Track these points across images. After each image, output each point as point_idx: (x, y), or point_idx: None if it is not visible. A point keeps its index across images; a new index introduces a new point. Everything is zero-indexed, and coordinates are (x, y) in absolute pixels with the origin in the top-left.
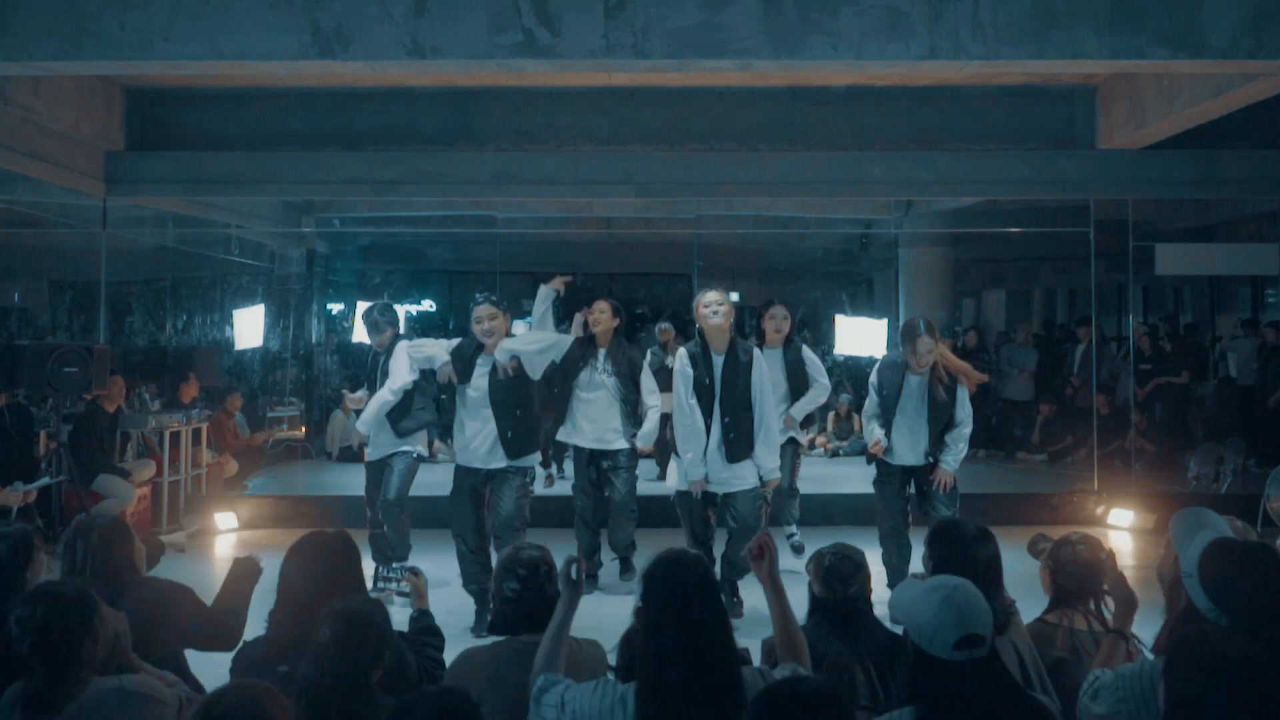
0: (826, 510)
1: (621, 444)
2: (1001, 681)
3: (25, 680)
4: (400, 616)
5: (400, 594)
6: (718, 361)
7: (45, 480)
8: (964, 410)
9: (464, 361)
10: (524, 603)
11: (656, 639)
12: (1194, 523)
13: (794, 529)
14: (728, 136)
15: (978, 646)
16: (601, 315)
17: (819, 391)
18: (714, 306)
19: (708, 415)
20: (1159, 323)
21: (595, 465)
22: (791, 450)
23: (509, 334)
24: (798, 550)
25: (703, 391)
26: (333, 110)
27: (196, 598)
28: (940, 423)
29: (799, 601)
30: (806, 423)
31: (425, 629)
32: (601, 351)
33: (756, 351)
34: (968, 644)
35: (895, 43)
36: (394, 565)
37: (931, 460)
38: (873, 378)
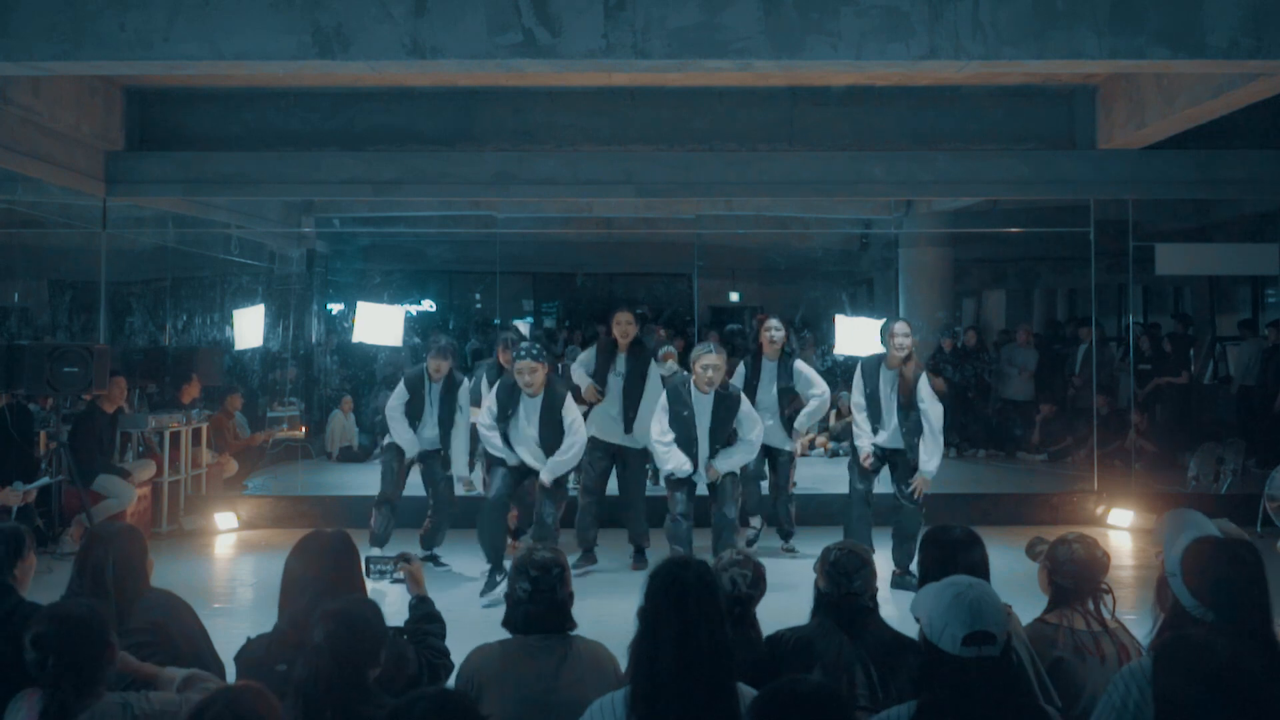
0: (826, 510)
1: None
2: (1009, 685)
3: (46, 695)
4: (399, 607)
5: (396, 581)
6: (705, 401)
7: (45, 480)
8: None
9: None
10: (535, 604)
11: (652, 638)
12: (1181, 523)
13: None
14: (728, 136)
15: (987, 644)
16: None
17: (815, 404)
18: (710, 373)
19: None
20: (1139, 324)
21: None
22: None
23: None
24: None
25: (686, 425)
26: (333, 110)
27: (197, 618)
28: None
29: (804, 601)
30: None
31: (425, 616)
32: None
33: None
34: (976, 640)
35: (895, 43)
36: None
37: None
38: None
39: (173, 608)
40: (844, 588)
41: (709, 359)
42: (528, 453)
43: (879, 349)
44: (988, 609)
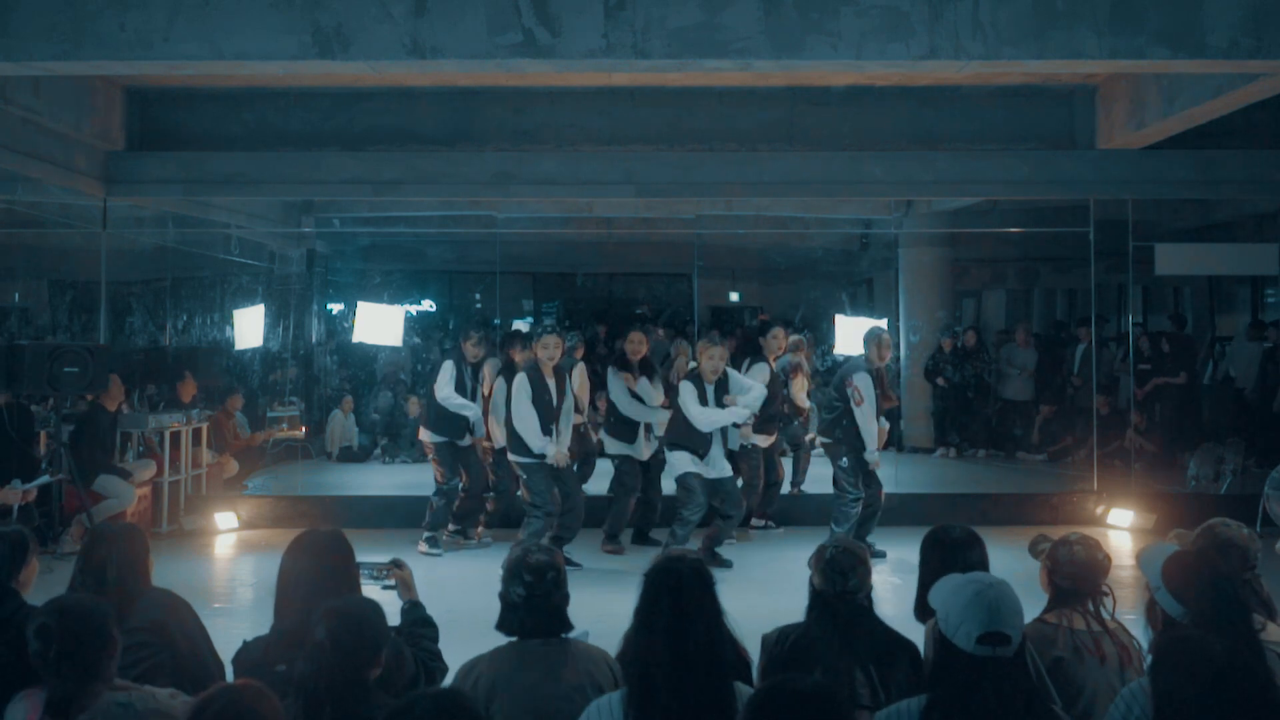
0: (827, 510)
1: None
2: (1021, 685)
3: (49, 689)
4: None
5: (386, 588)
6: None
7: (44, 479)
8: None
9: None
10: (529, 609)
11: (647, 634)
12: (1154, 551)
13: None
14: (728, 136)
15: (1001, 645)
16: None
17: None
18: (716, 362)
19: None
20: (1139, 325)
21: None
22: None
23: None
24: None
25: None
26: (333, 110)
27: (197, 617)
28: None
29: (798, 600)
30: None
31: (418, 620)
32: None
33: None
34: (991, 640)
35: (895, 43)
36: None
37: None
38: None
39: (173, 607)
40: (839, 586)
41: (715, 350)
42: (565, 435)
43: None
44: (1006, 610)
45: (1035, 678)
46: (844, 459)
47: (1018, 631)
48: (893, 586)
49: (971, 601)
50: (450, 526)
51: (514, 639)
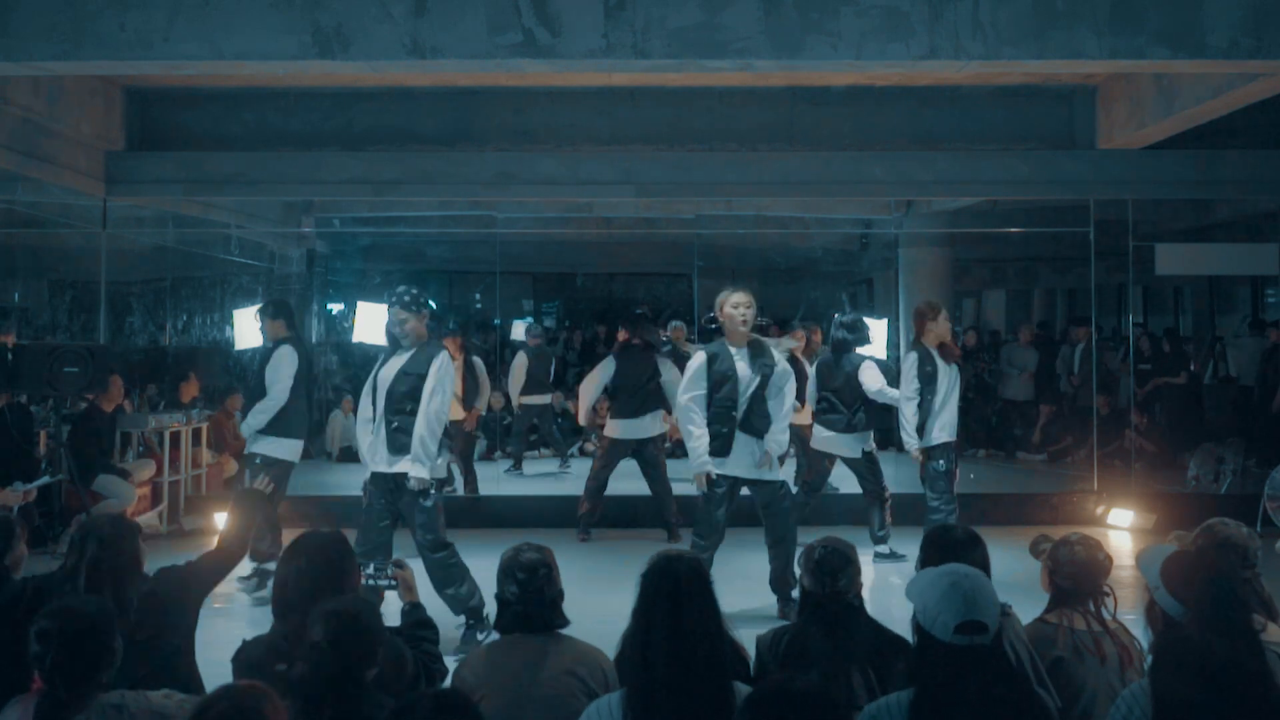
0: (826, 510)
1: None
2: (1001, 672)
3: (42, 692)
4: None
5: (388, 588)
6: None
7: (45, 479)
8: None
9: None
10: (524, 604)
11: (645, 632)
12: (1153, 553)
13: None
14: (728, 136)
15: (979, 634)
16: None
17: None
18: (742, 310)
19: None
20: (1139, 325)
21: None
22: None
23: None
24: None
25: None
26: (333, 110)
27: (186, 566)
28: None
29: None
30: None
31: (418, 622)
32: None
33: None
34: (969, 629)
35: (895, 43)
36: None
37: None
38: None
39: (162, 588)
40: (828, 586)
41: (739, 297)
42: (364, 440)
43: (877, 350)
44: (982, 599)
45: (1035, 678)
46: (940, 460)
47: (994, 620)
48: (892, 586)
49: (948, 593)
50: None
51: (510, 635)
